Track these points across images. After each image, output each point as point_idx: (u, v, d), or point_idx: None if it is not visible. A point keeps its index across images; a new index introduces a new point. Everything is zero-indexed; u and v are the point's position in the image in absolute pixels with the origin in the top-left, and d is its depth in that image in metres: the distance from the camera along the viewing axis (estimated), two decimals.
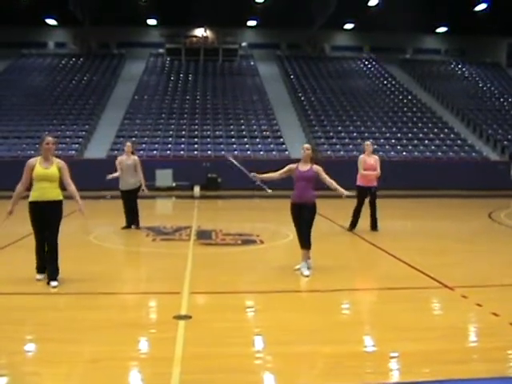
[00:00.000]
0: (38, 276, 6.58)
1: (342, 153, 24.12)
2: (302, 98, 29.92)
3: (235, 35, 36.12)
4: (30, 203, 6.44)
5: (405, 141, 25.89)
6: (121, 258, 9.02)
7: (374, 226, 10.85)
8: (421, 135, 26.54)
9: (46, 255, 6.53)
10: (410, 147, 25.31)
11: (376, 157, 11.06)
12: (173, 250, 9.02)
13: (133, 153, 11.16)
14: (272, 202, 18.93)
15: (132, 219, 11.13)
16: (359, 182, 10.83)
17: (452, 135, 26.89)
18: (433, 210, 16.52)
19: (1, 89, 29.12)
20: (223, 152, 24.03)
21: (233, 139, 25.34)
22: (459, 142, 26.24)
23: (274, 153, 24.15)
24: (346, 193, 7.06)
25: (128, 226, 11.12)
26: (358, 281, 7.07)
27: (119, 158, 11.24)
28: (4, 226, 7.28)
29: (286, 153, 23.97)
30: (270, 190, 8.07)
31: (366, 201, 10.77)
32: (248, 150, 24.39)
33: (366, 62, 36.78)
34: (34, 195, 6.43)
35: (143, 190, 11.04)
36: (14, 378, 3.82)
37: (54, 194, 6.42)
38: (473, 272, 7.40)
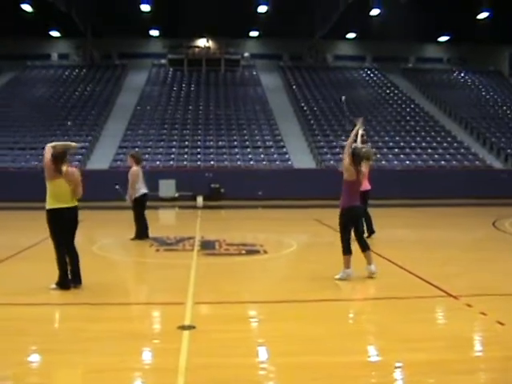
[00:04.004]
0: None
1: None
2: (305, 108, 30.00)
3: (237, 46, 36.39)
4: None
5: (408, 150, 25.91)
6: (124, 268, 9.01)
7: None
8: (424, 144, 26.55)
9: None
10: (413, 156, 25.32)
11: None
12: (176, 260, 9.01)
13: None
14: (275, 212, 18.93)
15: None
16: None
17: (455, 144, 26.89)
18: (436, 219, 16.48)
19: (6, 100, 29.30)
20: (226, 162, 24.11)
21: (236, 149, 25.40)
22: (462, 150, 26.24)
23: (276, 162, 24.18)
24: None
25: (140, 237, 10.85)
26: (361, 290, 7.04)
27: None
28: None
29: (289, 162, 23.99)
30: None
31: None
32: (251, 159, 24.44)
33: (369, 72, 36.90)
34: None
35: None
36: None
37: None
38: (477, 281, 7.37)
